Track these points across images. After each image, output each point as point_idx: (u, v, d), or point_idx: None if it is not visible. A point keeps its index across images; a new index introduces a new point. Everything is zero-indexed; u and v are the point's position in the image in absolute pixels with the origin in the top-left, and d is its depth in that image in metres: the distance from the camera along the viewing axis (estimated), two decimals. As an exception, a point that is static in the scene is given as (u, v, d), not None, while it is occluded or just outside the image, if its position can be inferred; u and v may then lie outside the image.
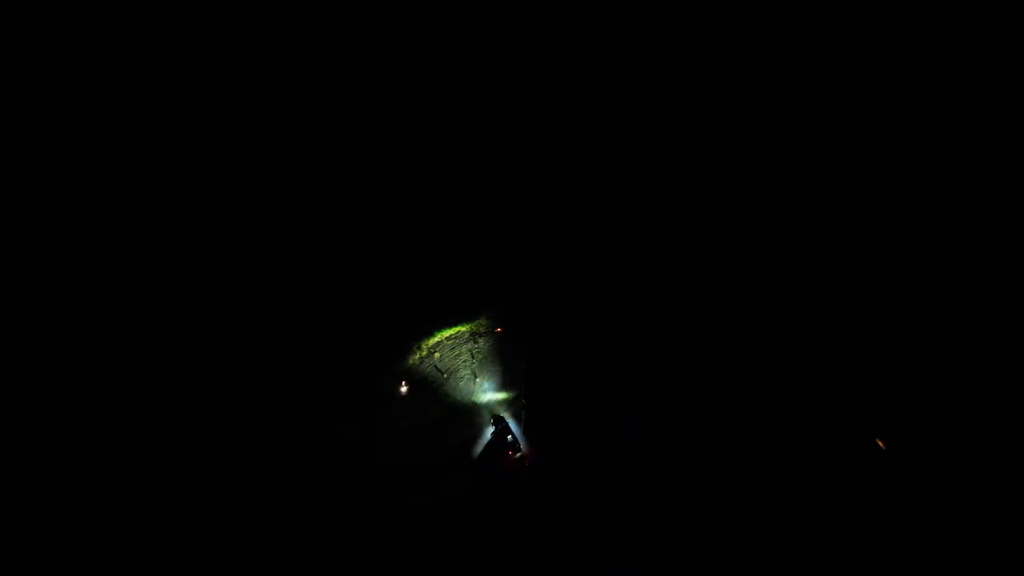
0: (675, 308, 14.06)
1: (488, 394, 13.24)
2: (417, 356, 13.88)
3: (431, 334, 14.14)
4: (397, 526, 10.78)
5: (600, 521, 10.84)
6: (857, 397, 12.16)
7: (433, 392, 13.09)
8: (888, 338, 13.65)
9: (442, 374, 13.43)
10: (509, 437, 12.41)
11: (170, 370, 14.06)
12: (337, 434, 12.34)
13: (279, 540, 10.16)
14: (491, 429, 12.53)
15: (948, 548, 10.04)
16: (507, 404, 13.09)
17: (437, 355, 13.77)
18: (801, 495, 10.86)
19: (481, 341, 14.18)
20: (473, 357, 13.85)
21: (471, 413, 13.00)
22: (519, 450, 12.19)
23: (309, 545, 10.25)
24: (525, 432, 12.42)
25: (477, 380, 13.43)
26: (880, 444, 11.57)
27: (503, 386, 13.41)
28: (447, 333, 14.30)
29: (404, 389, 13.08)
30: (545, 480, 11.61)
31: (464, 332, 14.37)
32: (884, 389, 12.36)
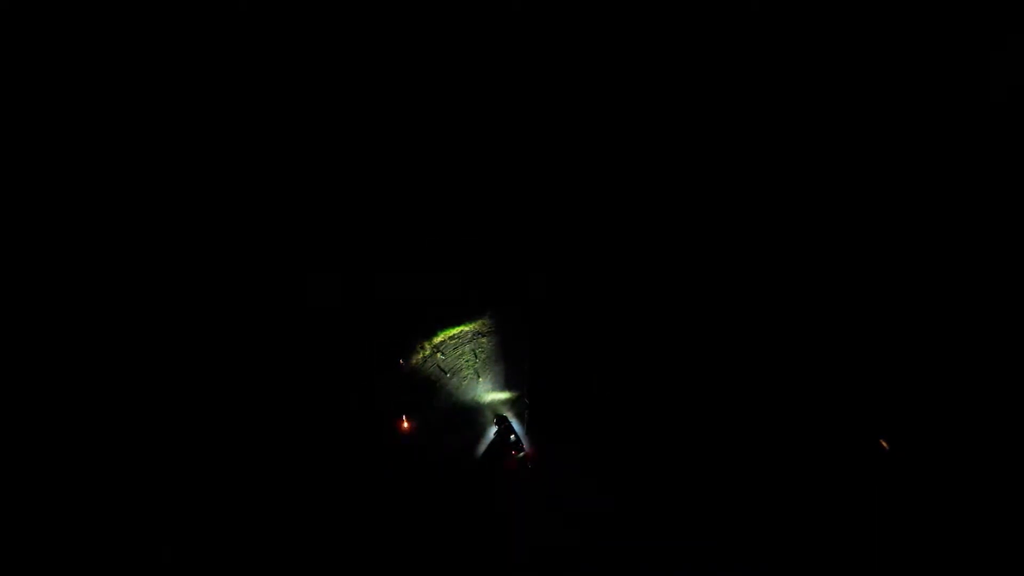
0: (675, 309, 14.10)
1: (491, 394, 13.28)
2: (420, 356, 13.90)
3: (434, 333, 14.16)
4: (399, 526, 10.81)
5: (600, 520, 10.88)
6: (860, 397, 12.23)
7: (435, 392, 13.12)
8: (891, 339, 13.75)
9: (445, 374, 13.46)
10: (512, 437, 12.43)
11: (166, 377, 14.09)
12: (338, 437, 12.40)
13: (277, 546, 10.26)
14: (494, 429, 12.56)
15: (950, 549, 10.09)
16: (510, 404, 13.12)
17: (439, 355, 13.79)
18: (803, 496, 10.93)
19: (484, 340, 14.20)
20: (476, 356, 13.87)
21: (474, 413, 13.04)
22: (522, 450, 12.22)
23: (308, 549, 10.32)
24: (528, 432, 12.46)
25: (480, 379, 13.46)
26: (884, 445, 11.61)
27: (506, 385, 13.45)
28: (450, 332, 14.32)
29: (405, 390, 13.13)
30: (546, 479, 11.67)
31: (467, 331, 14.40)
32: (887, 389, 12.43)
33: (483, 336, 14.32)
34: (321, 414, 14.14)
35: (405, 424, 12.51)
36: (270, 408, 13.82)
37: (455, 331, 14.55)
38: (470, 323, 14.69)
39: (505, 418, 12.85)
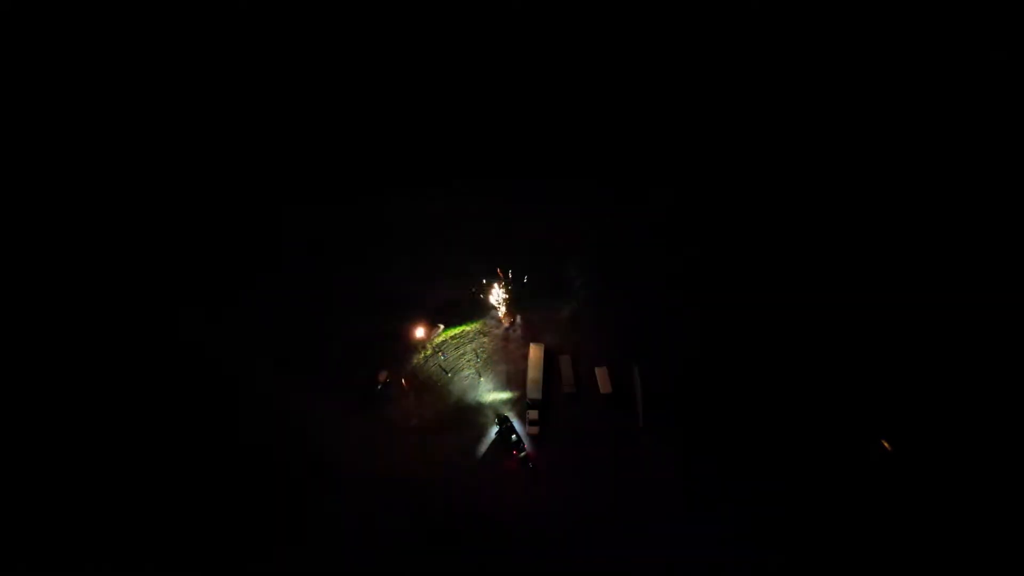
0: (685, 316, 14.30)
1: (492, 394, 13.34)
2: (422, 355, 13.93)
3: (436, 333, 14.22)
4: (399, 527, 10.82)
5: (601, 517, 10.92)
6: (864, 400, 12.39)
7: (437, 391, 13.17)
8: (894, 342, 13.86)
9: (446, 373, 13.52)
10: (513, 437, 12.46)
11: (161, 374, 13.98)
12: (339, 438, 12.38)
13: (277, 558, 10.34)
14: (495, 428, 12.59)
15: (952, 548, 10.17)
16: (511, 403, 13.18)
17: (440, 355, 13.82)
18: (808, 496, 11.04)
19: (485, 340, 14.23)
20: (477, 356, 13.91)
21: (475, 412, 13.11)
22: (523, 450, 12.23)
23: (309, 555, 10.37)
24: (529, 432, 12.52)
25: (481, 379, 13.53)
26: (886, 446, 11.74)
27: (507, 385, 13.50)
28: (452, 332, 14.35)
29: (409, 389, 13.15)
30: (548, 478, 11.67)
31: (468, 331, 14.45)
32: (890, 392, 12.57)
33: (484, 336, 14.35)
34: (322, 416, 13.86)
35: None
36: (268, 411, 13.58)
37: (457, 331, 14.56)
38: (472, 323, 14.73)
39: (507, 418, 12.91)
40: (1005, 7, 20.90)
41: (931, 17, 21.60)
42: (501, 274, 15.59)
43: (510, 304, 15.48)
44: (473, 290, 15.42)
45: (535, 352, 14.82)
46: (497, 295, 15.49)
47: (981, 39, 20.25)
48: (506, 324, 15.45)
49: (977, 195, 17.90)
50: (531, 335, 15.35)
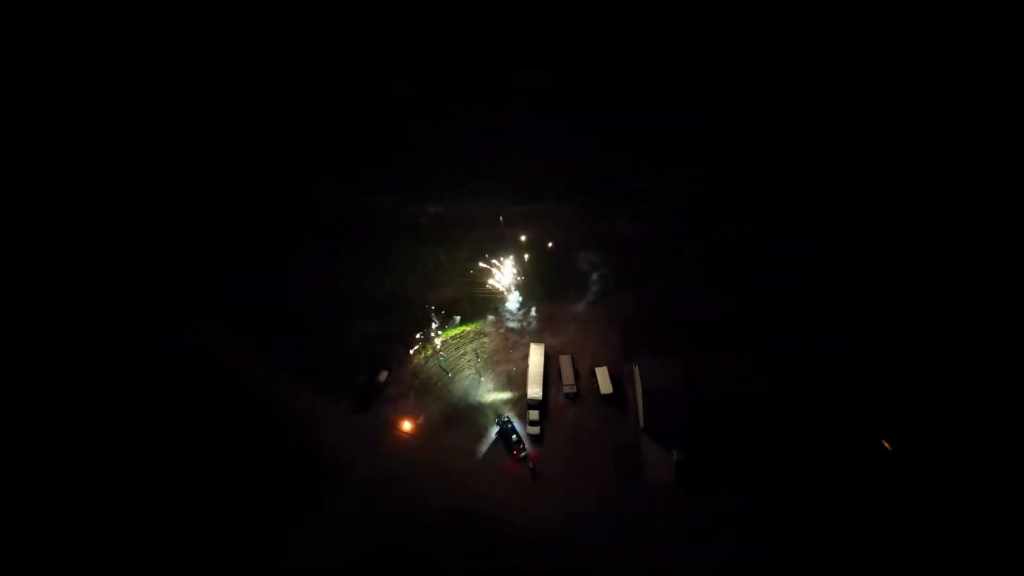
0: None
1: (492, 394, 13.38)
2: (422, 356, 13.96)
3: (437, 334, 14.23)
4: (398, 526, 10.83)
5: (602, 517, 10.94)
6: (865, 400, 12.39)
7: (438, 391, 13.19)
8: (896, 343, 13.81)
9: (447, 373, 13.53)
10: (514, 437, 12.47)
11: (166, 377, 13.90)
12: (339, 438, 12.38)
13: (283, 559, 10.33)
14: (495, 428, 12.59)
15: (952, 547, 10.19)
16: (511, 403, 13.20)
17: (441, 355, 13.85)
18: (807, 495, 11.05)
19: (486, 340, 14.25)
20: (478, 356, 13.93)
21: (475, 412, 13.11)
22: (523, 450, 12.24)
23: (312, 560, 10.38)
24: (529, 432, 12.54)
25: (481, 379, 13.55)
26: (886, 446, 11.79)
27: (507, 385, 13.53)
28: (452, 332, 14.40)
29: (410, 388, 13.18)
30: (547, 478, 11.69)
31: (469, 331, 14.47)
32: (891, 393, 12.56)
33: (485, 336, 14.39)
34: (324, 416, 13.80)
35: (407, 425, 12.51)
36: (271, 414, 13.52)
37: (458, 331, 14.61)
38: (472, 323, 14.76)
39: (508, 419, 12.89)
40: (1005, 7, 20.91)
41: (931, 17, 21.64)
42: (500, 222, 15.30)
43: (524, 288, 15.47)
44: (488, 256, 15.78)
45: (535, 352, 15.08)
46: (507, 275, 15.44)
47: (981, 39, 20.30)
48: (503, 288, 15.28)
49: (977, 195, 17.95)
50: (545, 328, 15.49)
